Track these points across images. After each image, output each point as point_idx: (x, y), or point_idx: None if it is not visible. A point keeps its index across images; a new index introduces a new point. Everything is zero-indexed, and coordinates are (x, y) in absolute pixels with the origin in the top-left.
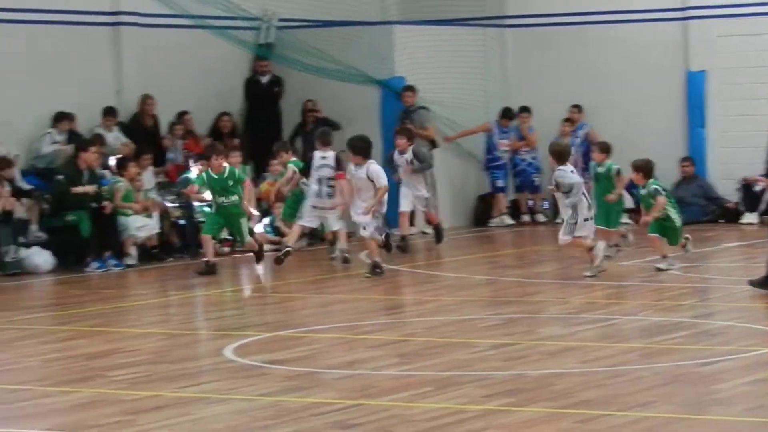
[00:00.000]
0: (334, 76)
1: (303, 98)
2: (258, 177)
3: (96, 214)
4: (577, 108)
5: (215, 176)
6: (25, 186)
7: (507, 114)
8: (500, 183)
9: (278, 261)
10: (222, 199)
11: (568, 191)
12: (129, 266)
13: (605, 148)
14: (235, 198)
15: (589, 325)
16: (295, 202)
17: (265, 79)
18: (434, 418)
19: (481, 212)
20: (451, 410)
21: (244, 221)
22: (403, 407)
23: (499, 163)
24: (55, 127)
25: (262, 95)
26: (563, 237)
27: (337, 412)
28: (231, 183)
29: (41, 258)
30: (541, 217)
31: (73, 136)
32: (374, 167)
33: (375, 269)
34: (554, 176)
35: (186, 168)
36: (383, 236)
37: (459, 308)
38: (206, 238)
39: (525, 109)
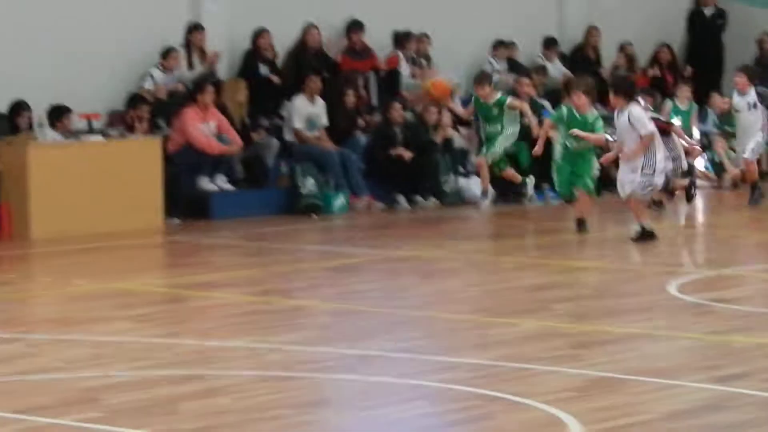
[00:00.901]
0: None
1: (745, 32)
2: (700, 111)
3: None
4: None
5: (578, 116)
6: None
7: None
8: None
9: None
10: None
11: None
12: None
13: None
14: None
15: None
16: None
17: (708, 11)
18: None
19: None
20: None
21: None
22: None
23: None
24: (493, 55)
25: (704, 27)
26: None
27: None
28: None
29: (480, 188)
30: None
31: (513, 65)
32: (636, 111)
33: (641, 234)
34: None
35: None
36: (689, 185)
37: None
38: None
39: None
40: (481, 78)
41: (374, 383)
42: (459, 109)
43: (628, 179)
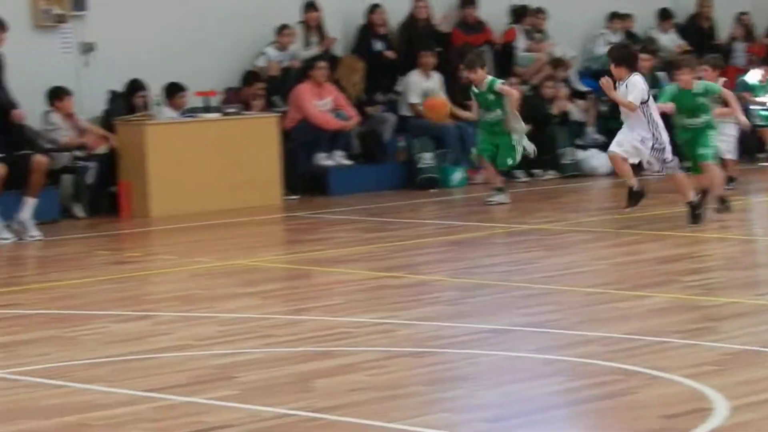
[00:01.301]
0: None
1: None
2: None
3: None
4: None
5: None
6: (581, 88)
7: None
8: None
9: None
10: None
11: None
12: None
13: None
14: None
15: None
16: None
17: None
18: None
19: None
20: None
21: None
22: None
23: None
24: (608, 27)
25: None
26: None
27: None
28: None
29: (598, 160)
30: None
31: (630, 37)
32: (634, 79)
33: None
34: None
35: (745, 71)
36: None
37: None
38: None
39: None
40: (471, 61)
41: (509, 358)
42: (465, 113)
43: (641, 147)
